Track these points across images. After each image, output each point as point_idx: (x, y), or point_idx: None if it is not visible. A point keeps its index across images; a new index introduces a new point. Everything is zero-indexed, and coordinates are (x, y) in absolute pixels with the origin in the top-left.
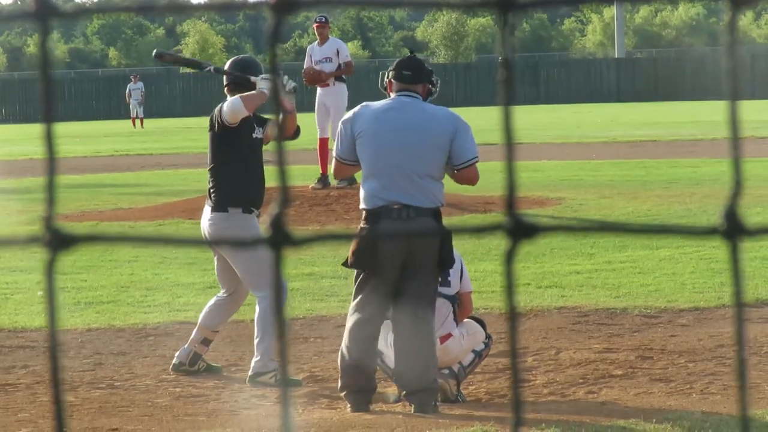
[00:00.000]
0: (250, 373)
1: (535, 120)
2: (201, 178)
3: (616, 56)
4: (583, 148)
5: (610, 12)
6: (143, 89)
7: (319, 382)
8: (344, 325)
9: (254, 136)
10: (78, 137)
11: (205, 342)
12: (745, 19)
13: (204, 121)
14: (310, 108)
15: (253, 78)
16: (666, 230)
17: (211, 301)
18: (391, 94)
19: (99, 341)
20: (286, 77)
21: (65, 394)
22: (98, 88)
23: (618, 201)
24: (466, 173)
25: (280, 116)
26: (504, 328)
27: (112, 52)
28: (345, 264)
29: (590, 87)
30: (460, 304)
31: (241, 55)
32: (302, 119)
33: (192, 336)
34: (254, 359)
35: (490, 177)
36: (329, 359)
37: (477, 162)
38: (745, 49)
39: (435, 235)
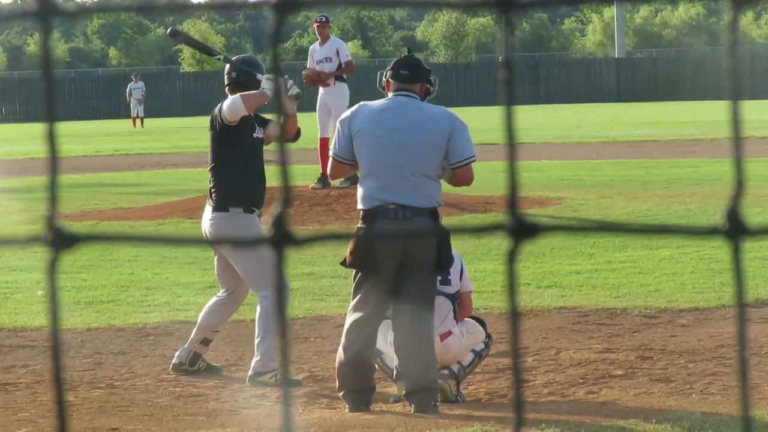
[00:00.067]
0: (250, 372)
1: (535, 120)
2: (201, 178)
3: (616, 56)
4: (583, 147)
5: (610, 12)
6: (144, 89)
7: (319, 381)
8: (344, 325)
9: (255, 135)
10: (78, 136)
11: (205, 342)
12: (745, 19)
13: (204, 121)
14: (311, 107)
15: (259, 75)
16: (667, 230)
17: (211, 301)
18: (388, 93)
19: (99, 341)
20: (290, 82)
21: (66, 394)
22: (98, 87)
23: (618, 201)
24: (461, 173)
25: (281, 118)
26: (504, 328)
27: (113, 52)
28: (343, 264)
29: (590, 87)
30: (460, 303)
31: (243, 55)
32: (303, 118)
33: (192, 336)
34: (254, 359)
35: (491, 177)
36: (329, 359)
37: (473, 161)
38: (745, 49)
39: (432, 236)
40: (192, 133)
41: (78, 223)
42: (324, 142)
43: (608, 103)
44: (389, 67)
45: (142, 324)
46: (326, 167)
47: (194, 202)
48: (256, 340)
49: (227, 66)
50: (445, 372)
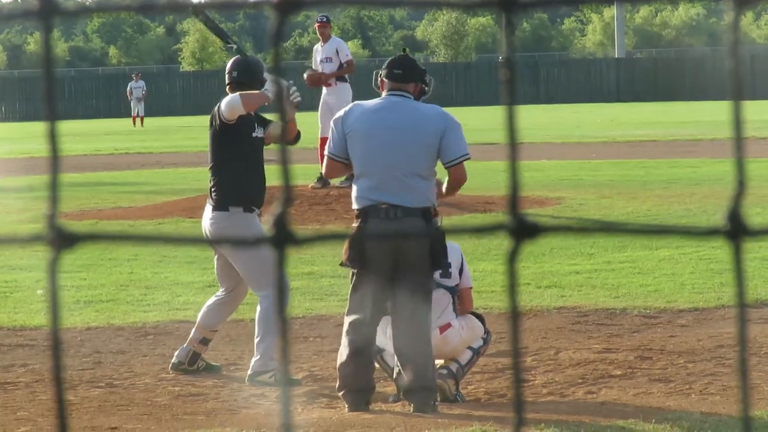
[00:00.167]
0: (249, 372)
1: (535, 119)
2: (201, 177)
3: (616, 56)
4: (583, 147)
5: (610, 12)
6: (144, 88)
7: (319, 381)
8: (343, 325)
9: (255, 135)
10: (78, 135)
11: (204, 341)
12: (745, 19)
13: (204, 120)
14: (312, 107)
15: (266, 74)
16: (667, 231)
17: (210, 301)
18: (383, 93)
19: (98, 340)
20: (293, 88)
21: (65, 393)
22: (98, 86)
23: (618, 201)
24: (454, 172)
25: (282, 121)
26: (504, 328)
27: (113, 51)
28: (341, 264)
29: (590, 87)
30: (460, 299)
31: (247, 56)
32: (303, 118)
33: (191, 335)
34: (254, 358)
35: (491, 177)
36: (329, 358)
37: (467, 160)
38: (745, 49)
39: (423, 236)
40: (192, 133)
41: (77, 222)
42: (325, 142)
43: (608, 103)
44: (384, 67)
45: (141, 323)
46: None
47: (194, 202)
48: (256, 340)
49: (228, 65)
50: (444, 372)
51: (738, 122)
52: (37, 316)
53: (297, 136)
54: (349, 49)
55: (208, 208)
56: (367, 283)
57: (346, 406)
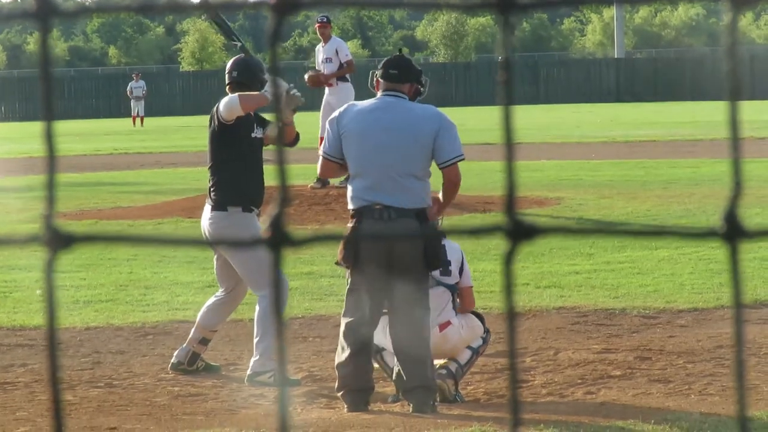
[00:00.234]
0: (248, 372)
1: (534, 119)
2: (200, 177)
3: (615, 56)
4: (583, 147)
5: (610, 12)
6: (145, 87)
7: (318, 381)
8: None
9: (254, 135)
10: (78, 135)
11: (204, 341)
12: (745, 19)
13: (204, 120)
14: (312, 107)
15: (267, 75)
16: (665, 232)
17: (210, 301)
18: (378, 93)
19: (98, 340)
20: (294, 90)
21: (63, 393)
22: (98, 86)
23: (617, 201)
24: (448, 173)
25: (279, 123)
26: (503, 328)
27: (112, 51)
28: (336, 263)
29: (590, 87)
30: (461, 298)
31: (249, 57)
32: (303, 117)
33: (190, 335)
34: (253, 358)
35: (489, 177)
36: (328, 358)
37: (461, 160)
38: (745, 49)
39: (417, 237)
40: (191, 132)
41: (77, 222)
42: None
43: (608, 103)
44: (379, 67)
45: (140, 323)
46: None
47: (193, 201)
48: (255, 340)
49: (228, 65)
50: (443, 372)
51: (734, 124)
52: (36, 316)
53: (296, 139)
54: (348, 49)
55: (207, 208)
56: (361, 283)
57: (345, 406)
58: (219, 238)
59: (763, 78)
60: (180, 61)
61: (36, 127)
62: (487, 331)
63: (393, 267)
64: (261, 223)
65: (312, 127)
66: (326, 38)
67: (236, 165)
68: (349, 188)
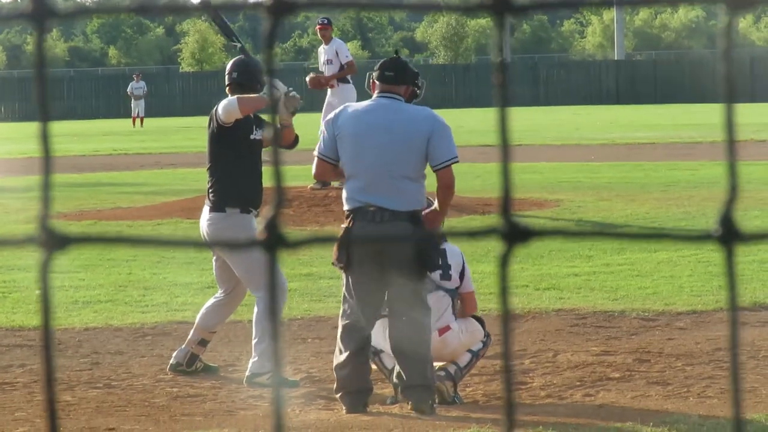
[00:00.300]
0: (247, 373)
1: (534, 121)
2: (200, 178)
3: (615, 58)
4: (582, 150)
5: (610, 14)
6: (145, 88)
7: (317, 383)
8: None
9: (252, 137)
10: (77, 136)
11: (203, 343)
12: (745, 21)
13: (203, 121)
14: (312, 108)
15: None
16: (661, 235)
17: (209, 302)
18: (374, 94)
19: (96, 340)
20: (293, 92)
21: (62, 394)
22: (98, 86)
23: (616, 203)
24: (442, 175)
25: (278, 125)
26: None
27: (112, 51)
28: (332, 263)
29: (589, 89)
30: (462, 303)
31: (249, 57)
32: (304, 118)
33: (189, 337)
34: (251, 360)
35: (489, 179)
36: (327, 360)
37: (455, 163)
38: (745, 51)
39: (410, 240)
40: (191, 133)
41: (76, 222)
42: None
43: (607, 105)
44: (375, 68)
45: (139, 324)
46: None
47: (193, 202)
48: (254, 341)
49: (228, 66)
50: (442, 374)
51: (730, 127)
52: (35, 317)
53: (295, 140)
54: (349, 51)
55: (206, 209)
56: (356, 284)
57: (344, 407)
58: (217, 239)
59: (764, 80)
60: (180, 62)
61: (35, 127)
62: (487, 335)
63: (386, 268)
64: (257, 225)
65: (312, 128)
66: (327, 40)
67: (235, 166)
68: (344, 189)
